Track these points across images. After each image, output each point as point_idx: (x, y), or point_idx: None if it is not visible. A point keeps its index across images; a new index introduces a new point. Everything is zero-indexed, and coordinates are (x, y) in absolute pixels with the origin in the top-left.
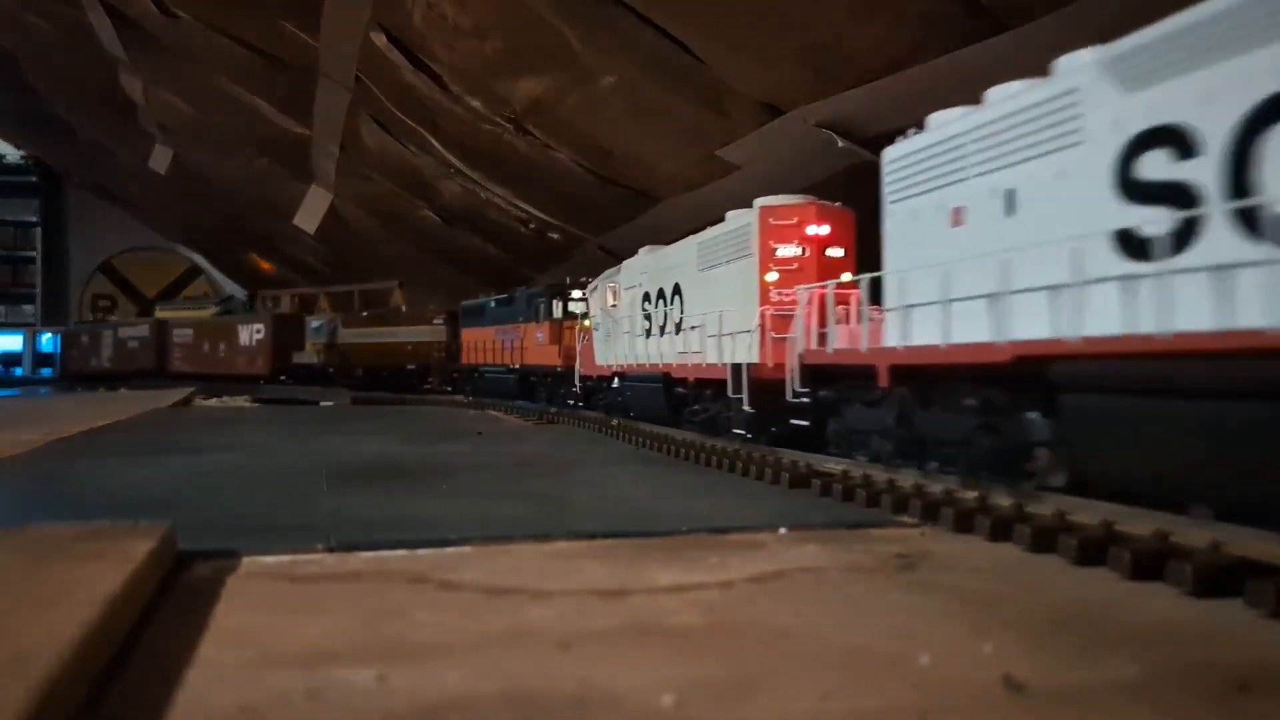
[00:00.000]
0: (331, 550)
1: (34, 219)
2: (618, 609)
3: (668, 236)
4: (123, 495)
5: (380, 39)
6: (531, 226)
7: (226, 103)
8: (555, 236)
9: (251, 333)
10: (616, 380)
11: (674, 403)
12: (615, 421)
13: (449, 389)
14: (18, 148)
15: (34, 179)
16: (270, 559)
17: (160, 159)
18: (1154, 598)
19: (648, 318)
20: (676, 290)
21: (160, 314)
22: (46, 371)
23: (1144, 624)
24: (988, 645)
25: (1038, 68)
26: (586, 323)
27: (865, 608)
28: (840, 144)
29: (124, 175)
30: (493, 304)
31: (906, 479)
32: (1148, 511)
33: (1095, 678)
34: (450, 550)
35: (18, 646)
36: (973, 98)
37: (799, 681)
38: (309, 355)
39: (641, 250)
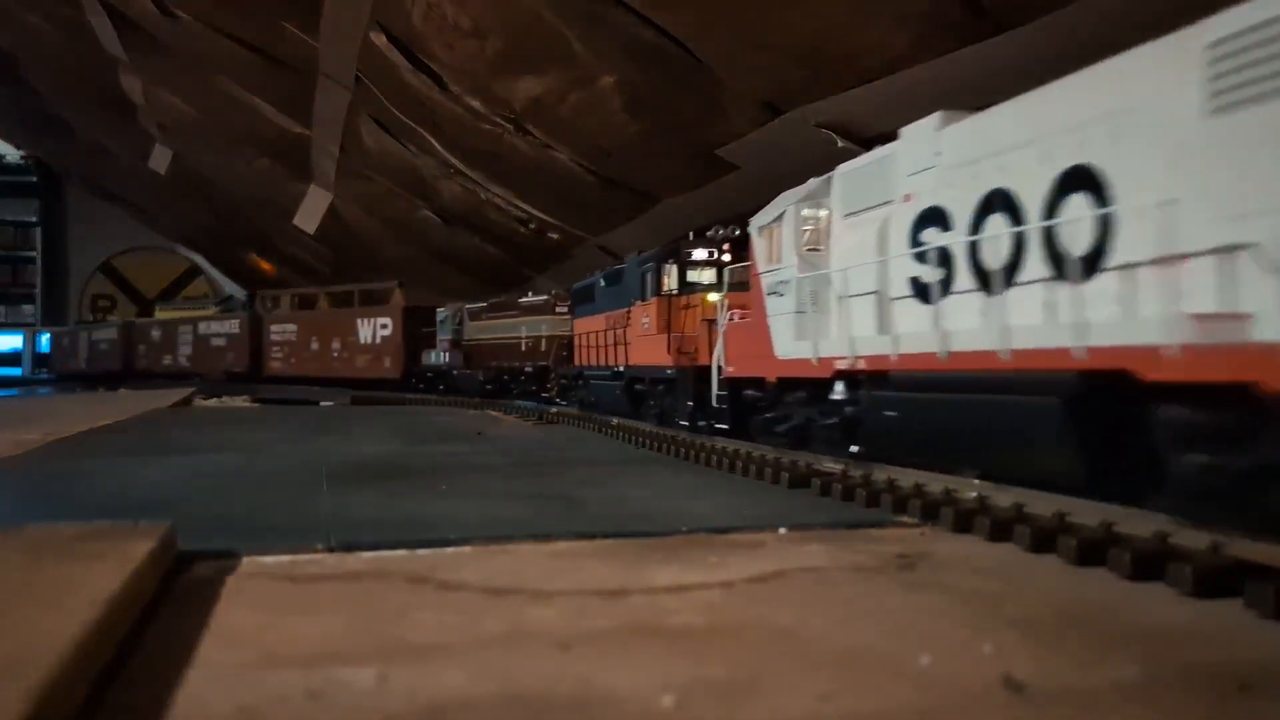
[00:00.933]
0: (331, 550)
1: (34, 219)
2: (618, 609)
3: (668, 237)
4: (122, 495)
5: (380, 39)
6: (531, 226)
7: (226, 103)
8: (555, 236)
9: (375, 328)
10: (840, 387)
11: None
12: (615, 421)
13: (559, 400)
14: (18, 148)
15: (34, 179)
16: (270, 559)
17: (160, 159)
18: (1153, 598)
19: (943, 260)
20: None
21: (260, 304)
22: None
23: (1144, 624)
24: (988, 645)
25: (1037, 68)
26: (733, 292)
27: (865, 608)
28: (840, 144)
29: (124, 175)
30: (602, 281)
31: (906, 479)
32: (1147, 513)
33: (1095, 678)
34: (450, 550)
35: (17, 646)
36: (973, 98)
37: (799, 681)
38: (438, 355)
39: (915, 127)
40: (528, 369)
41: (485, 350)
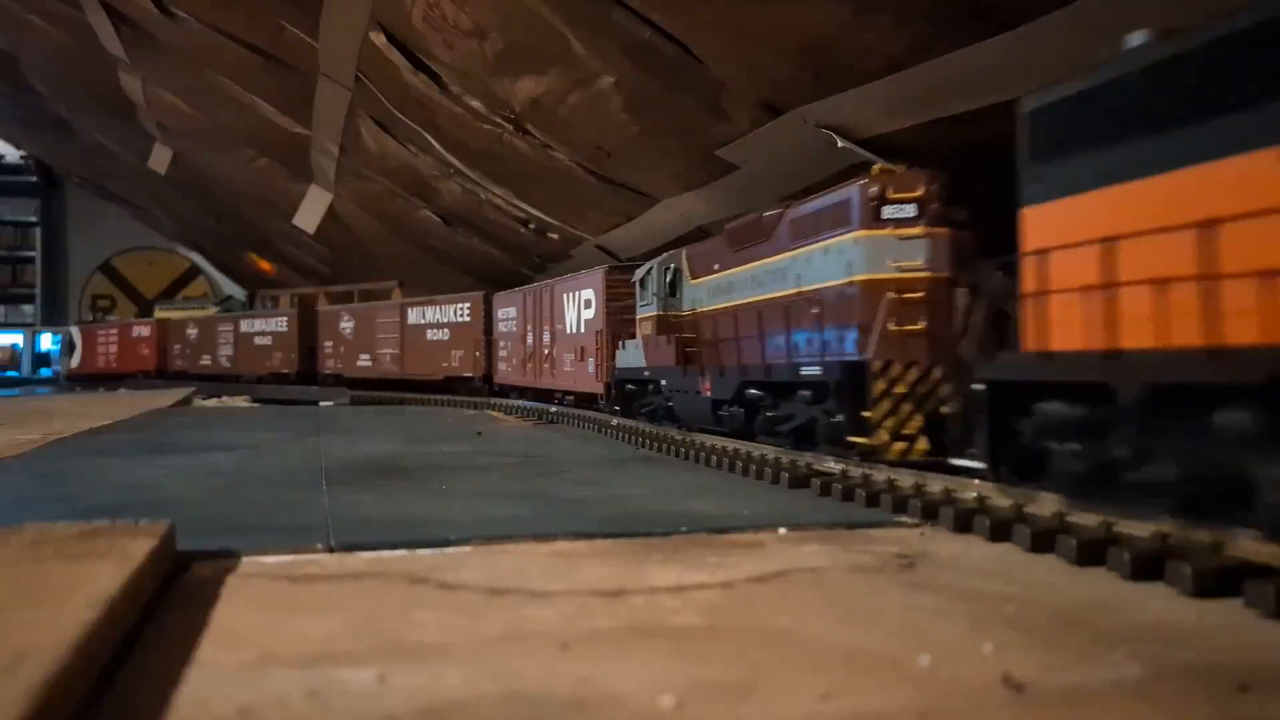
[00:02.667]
0: (331, 550)
1: (34, 219)
2: (618, 609)
3: (667, 238)
4: (122, 495)
5: (380, 39)
6: (531, 226)
7: (226, 103)
8: (554, 236)
9: (579, 304)
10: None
11: None
12: (614, 421)
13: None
14: (18, 148)
15: (34, 179)
16: (270, 559)
17: (160, 159)
18: (1153, 598)
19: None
20: None
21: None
22: (47, 372)
23: (1143, 624)
24: (987, 645)
25: (1038, 68)
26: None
27: (865, 608)
28: (840, 144)
29: (124, 175)
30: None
31: (906, 479)
32: (1148, 513)
33: (1095, 677)
34: (450, 550)
35: (17, 646)
36: (973, 98)
37: (799, 681)
38: (634, 351)
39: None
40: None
41: (717, 337)
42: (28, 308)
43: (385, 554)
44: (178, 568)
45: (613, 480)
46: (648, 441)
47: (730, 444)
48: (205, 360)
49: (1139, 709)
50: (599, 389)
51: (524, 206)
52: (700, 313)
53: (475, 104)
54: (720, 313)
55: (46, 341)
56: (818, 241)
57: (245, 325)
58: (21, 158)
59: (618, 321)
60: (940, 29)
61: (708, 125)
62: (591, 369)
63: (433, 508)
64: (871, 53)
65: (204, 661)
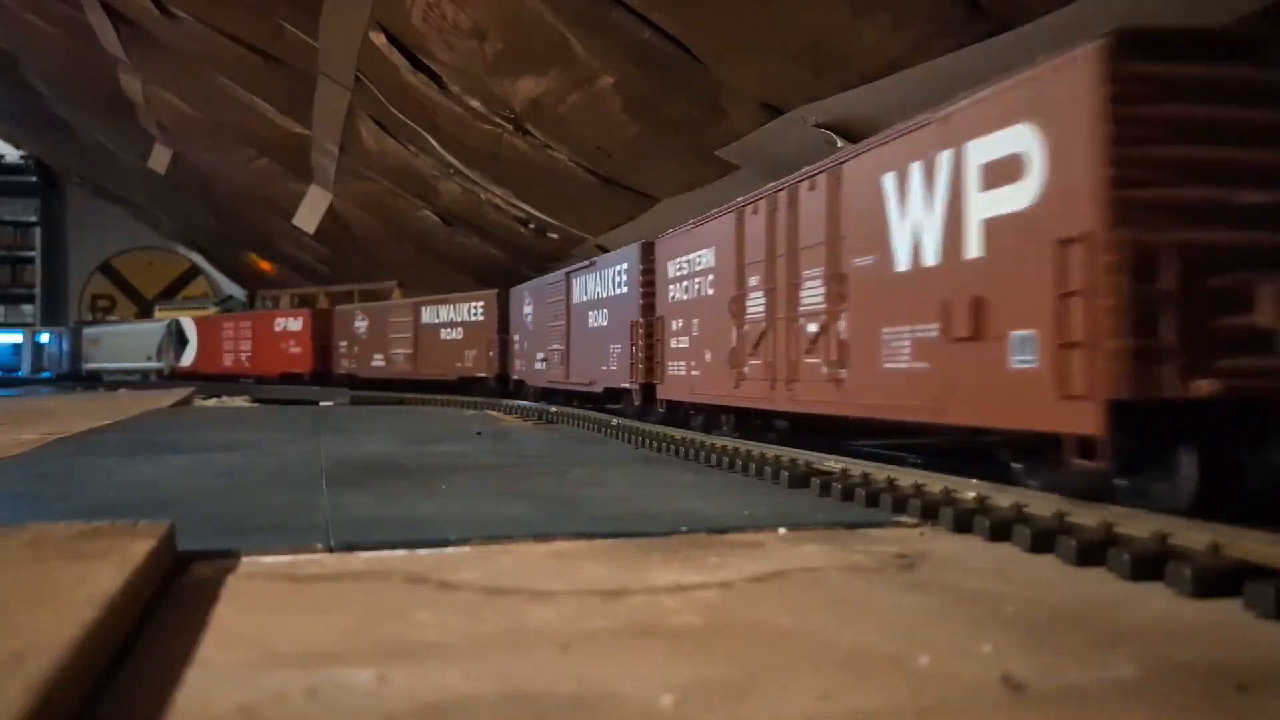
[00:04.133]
0: (331, 550)
1: (34, 219)
2: (617, 609)
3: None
4: (122, 495)
5: (380, 39)
6: (531, 226)
7: (226, 103)
8: (554, 236)
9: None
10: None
11: None
12: (614, 421)
13: None
14: (18, 148)
15: (34, 179)
16: (270, 559)
17: (160, 159)
18: (1153, 598)
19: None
20: None
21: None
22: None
23: (1143, 624)
24: (987, 645)
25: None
26: None
27: (865, 608)
28: (840, 144)
29: (124, 175)
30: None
31: (905, 479)
32: (1147, 513)
33: (1094, 677)
34: (450, 550)
35: (17, 646)
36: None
37: (799, 681)
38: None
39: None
40: None
41: None
42: (27, 307)
43: (385, 554)
44: (178, 568)
45: (613, 480)
46: (648, 441)
47: (730, 443)
48: (378, 361)
49: (1138, 709)
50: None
51: (524, 206)
52: None
53: (475, 104)
54: None
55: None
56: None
57: (427, 315)
58: (21, 158)
59: None
60: (940, 28)
61: (708, 125)
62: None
63: (433, 508)
64: (872, 52)
65: (204, 661)
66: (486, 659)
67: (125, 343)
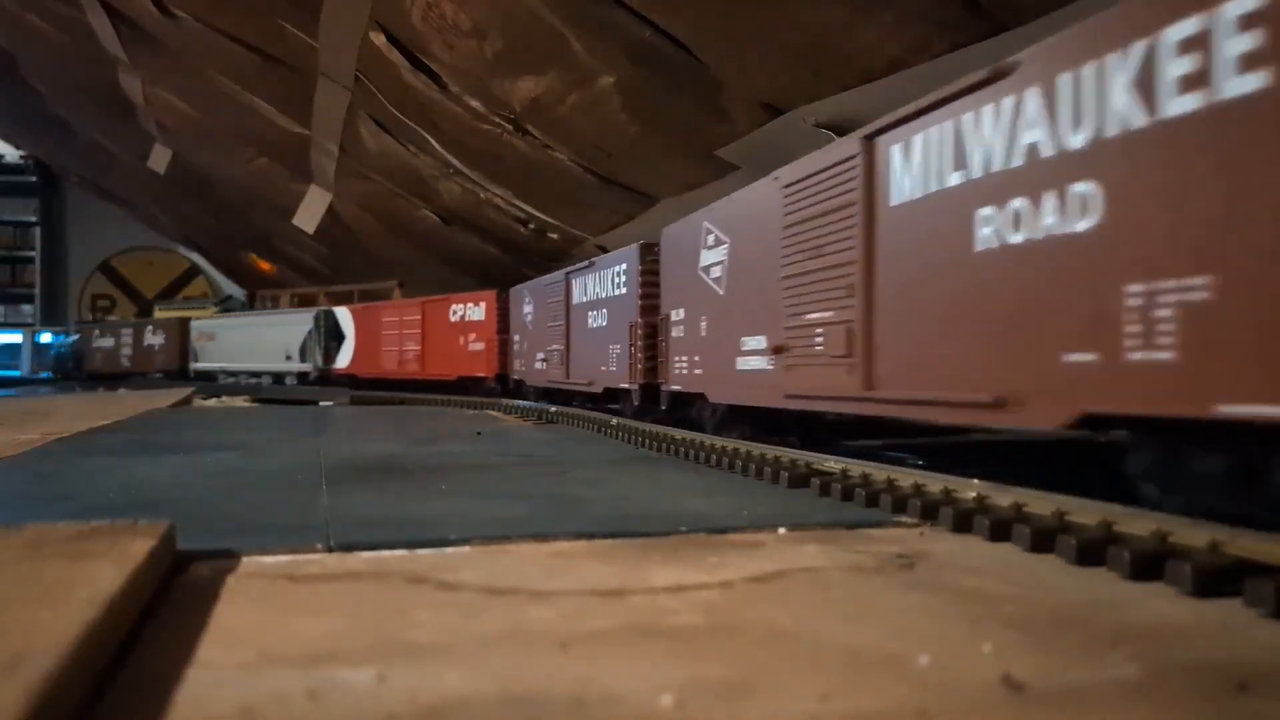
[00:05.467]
0: (331, 550)
1: (33, 219)
2: (617, 609)
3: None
4: (122, 494)
5: (380, 39)
6: (531, 226)
7: (226, 103)
8: (554, 236)
9: None
10: None
11: None
12: (614, 421)
13: None
14: (17, 148)
15: (33, 179)
16: (269, 559)
17: (159, 159)
18: (1153, 597)
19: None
20: None
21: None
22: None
23: (1143, 624)
24: (987, 645)
25: None
26: None
27: (865, 607)
28: None
29: (124, 175)
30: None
31: (905, 479)
32: (1147, 512)
33: (1095, 677)
34: (450, 550)
35: (16, 646)
36: None
37: (799, 681)
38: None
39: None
40: None
41: None
42: (27, 307)
43: (385, 554)
44: (177, 567)
45: (612, 480)
46: (647, 441)
47: (730, 443)
48: (540, 362)
49: (1139, 709)
50: None
51: (524, 206)
52: None
53: (475, 104)
54: None
55: (47, 338)
56: None
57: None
58: (21, 158)
59: None
60: (940, 29)
61: (708, 125)
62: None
63: (432, 507)
64: (872, 52)
65: (204, 661)
66: (486, 659)
67: (257, 338)
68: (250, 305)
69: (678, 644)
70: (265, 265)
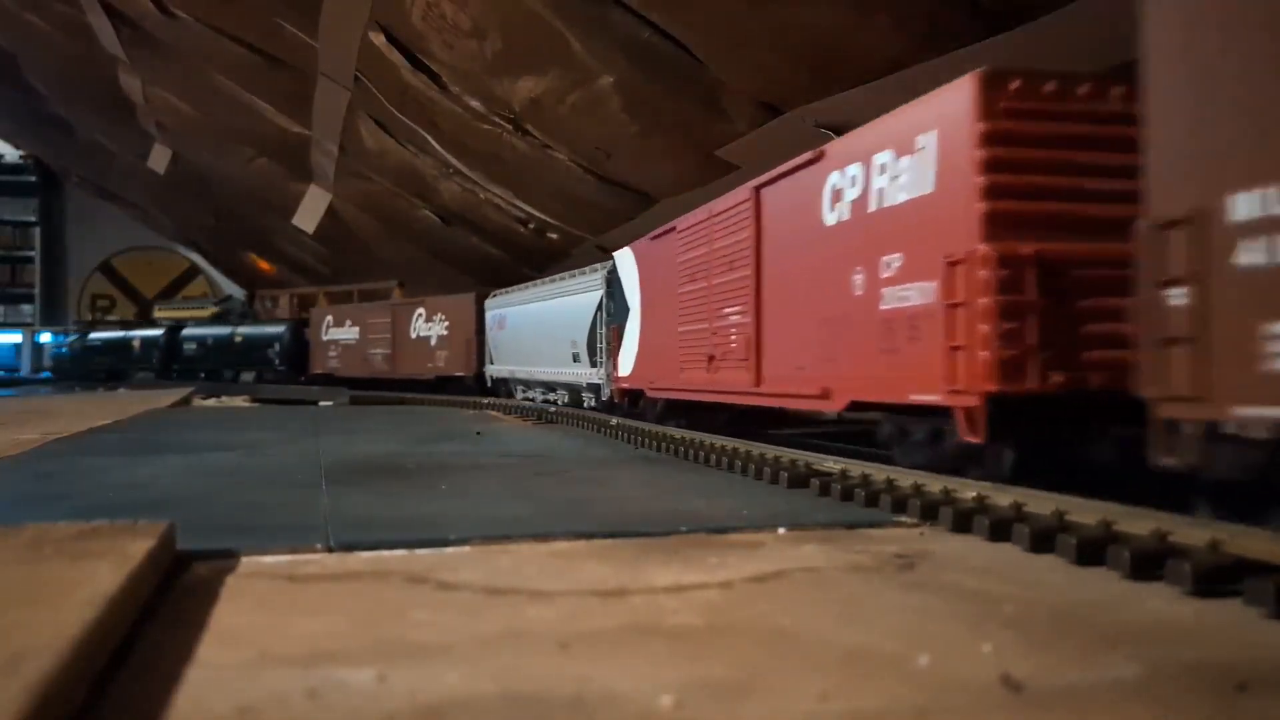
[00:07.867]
0: (331, 550)
1: (33, 219)
2: (617, 609)
3: None
4: (122, 494)
5: (379, 39)
6: (530, 226)
7: (226, 103)
8: (554, 236)
9: None
10: None
11: None
12: (614, 421)
13: None
14: (17, 148)
15: (33, 179)
16: (269, 559)
17: (159, 159)
18: (1153, 597)
19: None
20: None
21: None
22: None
23: (1143, 623)
24: (987, 645)
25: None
26: None
27: (864, 607)
28: None
29: (124, 175)
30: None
31: (905, 479)
32: (1147, 511)
33: (1094, 677)
34: (450, 550)
35: (16, 646)
36: None
37: (798, 681)
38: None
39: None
40: None
41: None
42: (27, 307)
43: (385, 554)
44: (177, 567)
45: (613, 480)
46: (648, 441)
47: (730, 443)
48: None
49: (1139, 709)
50: None
51: (524, 206)
52: None
53: (474, 104)
54: None
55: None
56: None
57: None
58: (21, 158)
59: None
60: (940, 29)
61: (708, 125)
62: None
63: (432, 507)
64: (872, 52)
65: (204, 661)
66: (486, 659)
67: (542, 322)
68: (250, 305)
69: (677, 644)
70: (265, 265)
